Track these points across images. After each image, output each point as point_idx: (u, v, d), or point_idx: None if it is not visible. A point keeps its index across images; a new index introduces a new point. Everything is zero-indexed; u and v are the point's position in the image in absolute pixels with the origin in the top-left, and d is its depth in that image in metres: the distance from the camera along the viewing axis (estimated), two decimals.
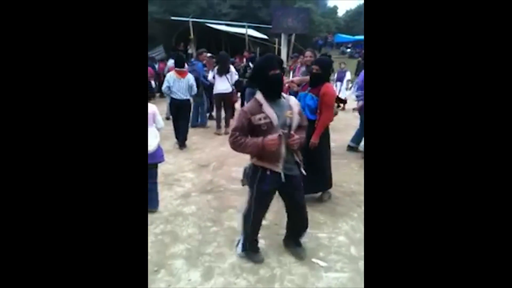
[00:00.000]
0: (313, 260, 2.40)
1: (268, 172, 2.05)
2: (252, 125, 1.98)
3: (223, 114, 6.05)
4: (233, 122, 6.11)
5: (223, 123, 6.05)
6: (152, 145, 2.80)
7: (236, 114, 2.19)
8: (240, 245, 2.39)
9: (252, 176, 2.11)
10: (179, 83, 4.85)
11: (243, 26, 16.74)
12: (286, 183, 2.07)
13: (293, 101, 2.08)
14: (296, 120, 2.02)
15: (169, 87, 4.87)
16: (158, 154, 2.96)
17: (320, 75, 3.02)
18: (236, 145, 1.99)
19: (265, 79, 1.99)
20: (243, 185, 2.24)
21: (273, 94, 2.03)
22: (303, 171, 2.17)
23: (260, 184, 2.09)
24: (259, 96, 2.02)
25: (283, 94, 2.09)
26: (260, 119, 1.95)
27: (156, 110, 3.00)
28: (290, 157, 2.08)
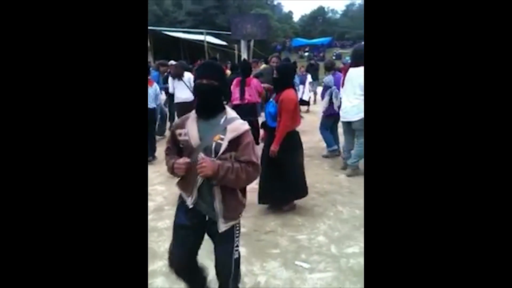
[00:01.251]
0: (296, 263, 2.40)
1: (183, 201, 1.67)
2: (176, 140, 1.65)
3: None
4: None
5: None
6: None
7: None
8: None
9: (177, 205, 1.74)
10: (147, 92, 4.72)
11: (201, 33, 16.64)
12: (209, 226, 1.65)
13: (235, 125, 1.58)
14: (223, 147, 1.54)
15: None
16: None
17: (278, 81, 3.04)
18: (168, 168, 1.64)
19: (195, 90, 1.67)
20: None
21: (200, 109, 1.63)
22: (221, 226, 1.60)
23: (177, 218, 1.71)
24: (196, 109, 1.67)
25: (230, 114, 1.64)
26: (180, 134, 1.61)
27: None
28: (207, 195, 1.59)
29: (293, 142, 3.05)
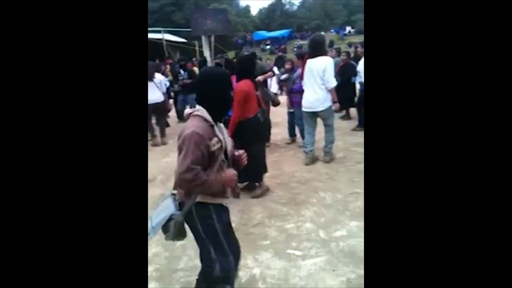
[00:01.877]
0: (288, 251, 2.43)
1: (219, 205, 1.66)
2: (209, 153, 1.53)
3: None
4: (170, 132, 5.94)
5: (158, 132, 5.80)
6: None
7: (184, 132, 1.53)
8: None
9: (204, 217, 1.62)
10: None
11: (159, 32, 16.12)
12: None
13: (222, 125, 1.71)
14: (230, 143, 1.68)
15: None
16: None
17: (236, 73, 3.26)
18: (196, 184, 1.47)
19: (221, 99, 1.63)
20: (166, 238, 1.69)
21: (221, 114, 1.69)
22: None
23: (220, 219, 1.66)
24: (205, 114, 1.57)
25: None
26: (214, 144, 1.53)
27: None
28: None
29: (247, 130, 3.18)
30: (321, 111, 4.01)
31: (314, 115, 4.13)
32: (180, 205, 1.60)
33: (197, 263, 2.34)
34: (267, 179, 3.68)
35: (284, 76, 5.30)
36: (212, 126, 1.56)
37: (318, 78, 3.91)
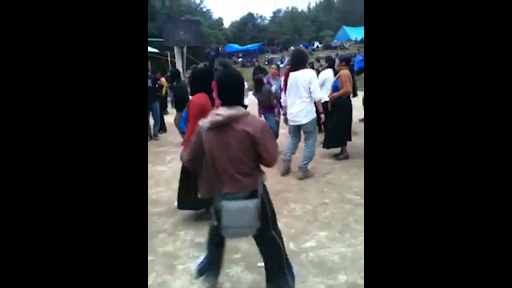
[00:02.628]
0: (259, 264, 2.42)
1: None
2: None
3: None
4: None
5: None
6: None
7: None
8: (292, 279, 2.03)
9: (268, 196, 2.01)
10: None
11: None
12: None
13: None
14: None
15: None
16: None
17: (192, 86, 3.27)
18: None
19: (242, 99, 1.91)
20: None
21: None
22: None
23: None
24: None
25: None
26: None
27: None
28: None
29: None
30: (306, 123, 4.08)
31: (298, 127, 4.20)
32: (250, 196, 1.81)
33: (166, 278, 2.30)
34: None
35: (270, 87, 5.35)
36: None
37: (304, 90, 3.97)
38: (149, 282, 2.27)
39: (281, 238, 2.04)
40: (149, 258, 2.57)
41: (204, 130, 1.76)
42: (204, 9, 35.16)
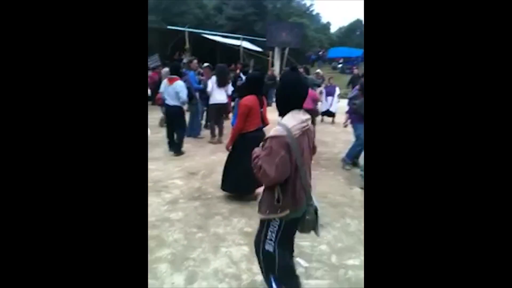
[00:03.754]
0: (297, 259, 2.49)
1: None
2: None
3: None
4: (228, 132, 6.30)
5: (217, 131, 6.17)
6: None
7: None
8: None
9: None
10: (168, 89, 4.98)
11: (238, 38, 17.00)
12: None
13: None
14: None
15: (162, 93, 5.14)
16: None
17: (245, 88, 3.54)
18: None
19: None
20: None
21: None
22: (258, 214, 1.95)
23: None
24: None
25: None
26: None
27: None
28: None
29: (244, 143, 3.33)
30: None
31: None
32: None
33: (208, 256, 2.52)
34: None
35: (353, 94, 5.22)
36: None
37: None
38: (193, 256, 2.54)
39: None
40: (200, 235, 2.85)
41: (293, 138, 1.64)
42: (314, 13, 35.23)
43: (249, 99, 3.37)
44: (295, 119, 1.70)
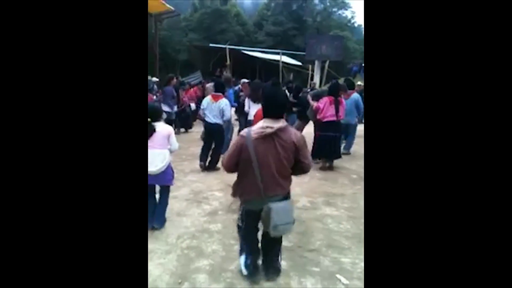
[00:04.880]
0: (337, 275, 2.41)
1: None
2: None
3: None
4: None
5: None
6: (157, 166, 2.90)
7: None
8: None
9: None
10: (211, 106, 4.97)
11: (277, 53, 17.25)
12: None
13: None
14: None
15: (203, 110, 5.11)
16: (165, 178, 3.03)
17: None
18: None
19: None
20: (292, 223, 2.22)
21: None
22: None
23: None
24: None
25: None
26: None
27: (172, 132, 3.11)
28: None
29: None
30: None
31: None
32: (284, 198, 2.17)
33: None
34: (337, 209, 3.63)
35: None
36: None
37: None
38: (231, 268, 2.54)
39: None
40: (237, 247, 2.86)
41: (249, 140, 2.04)
42: (356, 24, 34.72)
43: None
44: (259, 125, 2.08)
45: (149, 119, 2.95)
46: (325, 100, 5.13)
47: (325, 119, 5.05)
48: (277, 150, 2.04)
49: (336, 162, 5.52)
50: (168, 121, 6.10)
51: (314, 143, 5.26)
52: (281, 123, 2.06)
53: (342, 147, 5.95)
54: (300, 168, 2.16)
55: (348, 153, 6.20)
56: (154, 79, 9.15)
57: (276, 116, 2.07)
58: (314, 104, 5.29)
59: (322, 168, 5.28)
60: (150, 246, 2.82)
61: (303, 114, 6.19)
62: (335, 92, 5.21)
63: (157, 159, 2.92)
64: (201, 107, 5.22)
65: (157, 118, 3.06)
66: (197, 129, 7.89)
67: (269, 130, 2.02)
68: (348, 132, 6.18)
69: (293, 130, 2.14)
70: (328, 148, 5.14)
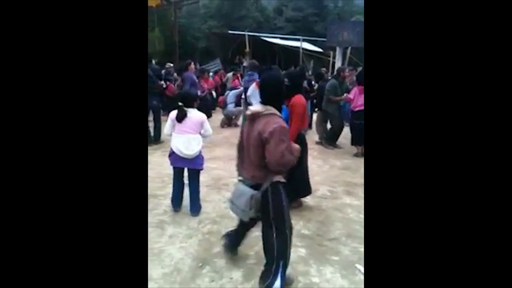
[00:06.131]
0: (356, 265, 2.42)
1: (284, 182, 2.06)
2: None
3: None
4: None
5: None
6: (194, 149, 3.02)
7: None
8: (278, 281, 1.98)
9: (276, 195, 2.00)
10: (255, 93, 4.81)
11: (297, 39, 16.92)
12: None
13: None
14: None
15: (248, 97, 5.15)
16: (197, 162, 3.14)
17: (289, 87, 3.28)
18: (290, 164, 1.92)
19: (282, 99, 2.17)
20: (251, 217, 2.05)
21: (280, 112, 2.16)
22: None
23: (286, 197, 2.06)
24: (276, 111, 1.97)
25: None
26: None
27: (205, 118, 3.18)
28: None
29: (299, 143, 3.21)
30: None
31: None
32: (255, 187, 1.99)
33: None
34: (358, 199, 3.61)
35: None
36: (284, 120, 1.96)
37: None
38: (251, 253, 2.59)
39: (283, 242, 2.03)
40: (258, 233, 2.89)
41: (243, 124, 2.10)
42: None
43: (301, 98, 3.31)
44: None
45: (181, 104, 3.02)
46: (354, 90, 5.36)
47: (357, 108, 5.22)
48: (250, 135, 1.98)
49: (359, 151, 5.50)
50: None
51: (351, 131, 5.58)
52: (261, 109, 1.94)
53: None
54: (267, 163, 1.91)
55: None
56: (169, 64, 9.17)
57: (264, 102, 1.97)
58: (344, 97, 5.62)
59: (357, 155, 5.43)
60: (173, 230, 2.91)
61: (320, 103, 6.16)
62: (362, 81, 5.27)
63: (193, 143, 3.03)
64: (247, 93, 5.18)
65: (190, 104, 3.13)
66: (218, 117, 7.94)
67: (247, 113, 2.01)
68: None
69: (270, 120, 1.88)
70: (360, 136, 5.28)
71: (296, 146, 2.09)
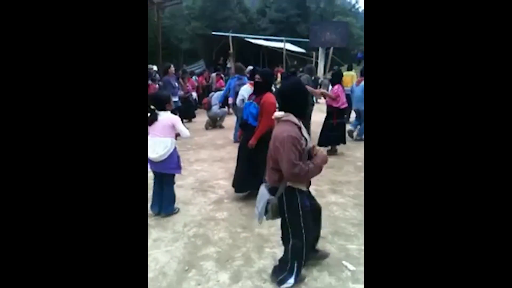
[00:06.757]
0: (343, 262, 2.43)
1: (302, 190, 2.07)
2: (301, 150, 1.91)
3: None
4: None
5: None
6: (159, 153, 2.93)
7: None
8: (292, 278, 2.13)
9: (291, 201, 2.03)
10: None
11: (281, 41, 17.01)
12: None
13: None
14: (309, 140, 2.05)
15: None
16: (167, 166, 3.03)
17: (261, 85, 3.35)
18: (303, 175, 1.89)
19: (304, 105, 2.14)
20: (267, 219, 2.11)
21: (303, 119, 2.09)
22: None
23: (303, 204, 2.05)
24: (294, 118, 1.97)
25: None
26: (303, 143, 1.92)
27: (177, 120, 3.07)
28: None
29: (268, 138, 3.13)
30: None
31: None
32: (272, 190, 2.05)
33: (253, 256, 2.54)
34: (343, 196, 3.63)
35: None
36: (300, 128, 1.96)
37: None
38: (238, 255, 2.57)
39: (299, 244, 2.07)
40: (244, 235, 2.88)
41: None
42: (359, 10, 34.06)
43: (272, 96, 3.29)
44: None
45: (152, 107, 2.96)
46: (339, 88, 5.37)
47: (343, 106, 5.32)
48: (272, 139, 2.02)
49: (340, 149, 5.55)
50: (172, 110, 6.08)
51: (324, 131, 5.46)
52: (281, 115, 2.00)
53: (355, 134, 6.41)
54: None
55: (362, 139, 6.25)
56: (154, 67, 9.08)
57: (282, 108, 2.05)
58: (333, 91, 5.48)
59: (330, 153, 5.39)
60: (158, 234, 2.86)
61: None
62: (340, 80, 5.47)
63: (159, 146, 2.95)
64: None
65: (162, 106, 3.04)
66: (202, 119, 7.88)
67: (276, 116, 2.04)
68: (360, 118, 6.32)
69: (281, 128, 1.94)
70: (343, 134, 5.39)
71: (323, 154, 2.04)
